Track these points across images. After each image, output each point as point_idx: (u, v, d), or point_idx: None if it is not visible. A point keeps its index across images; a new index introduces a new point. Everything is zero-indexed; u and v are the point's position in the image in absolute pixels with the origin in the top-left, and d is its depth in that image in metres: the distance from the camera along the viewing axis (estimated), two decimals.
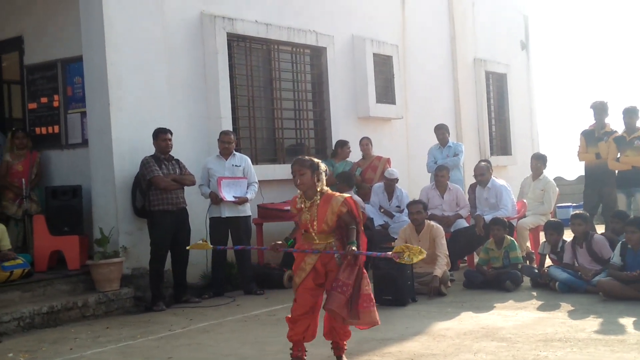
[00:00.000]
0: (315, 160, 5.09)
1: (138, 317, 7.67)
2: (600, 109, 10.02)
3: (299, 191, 5.12)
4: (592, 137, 9.98)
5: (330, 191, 5.10)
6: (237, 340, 6.21)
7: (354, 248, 4.85)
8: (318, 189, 5.03)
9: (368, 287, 4.96)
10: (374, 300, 4.99)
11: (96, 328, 7.12)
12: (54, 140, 9.53)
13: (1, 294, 7.34)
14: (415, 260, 4.62)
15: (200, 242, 5.78)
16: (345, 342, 5.15)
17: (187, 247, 6.31)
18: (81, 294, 7.91)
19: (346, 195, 5.09)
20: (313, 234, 5.00)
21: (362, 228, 5.10)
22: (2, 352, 6.15)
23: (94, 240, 8.13)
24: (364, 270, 4.99)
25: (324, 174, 5.07)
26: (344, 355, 5.14)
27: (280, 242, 5.24)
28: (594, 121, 10.09)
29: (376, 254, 5.39)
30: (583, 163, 10.28)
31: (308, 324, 5.05)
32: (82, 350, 6.13)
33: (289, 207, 9.18)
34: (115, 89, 8.29)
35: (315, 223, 4.98)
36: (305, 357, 5.11)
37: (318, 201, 4.99)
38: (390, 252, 4.81)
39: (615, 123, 10.07)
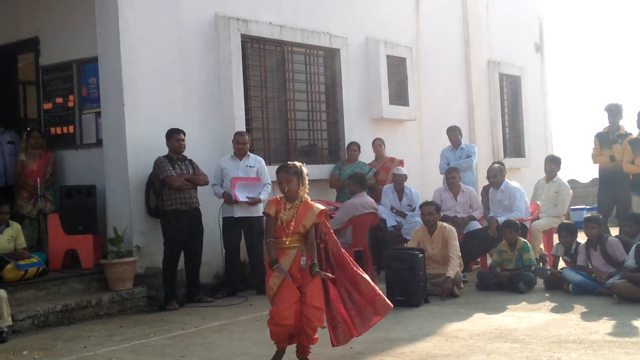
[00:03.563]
0: (298, 164, 5.26)
1: (151, 316, 7.71)
2: (614, 112, 9.97)
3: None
4: (607, 140, 9.92)
5: (308, 198, 5.29)
6: (249, 339, 6.23)
7: (317, 270, 5.09)
8: (300, 194, 5.22)
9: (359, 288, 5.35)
10: (373, 288, 5.41)
11: (110, 326, 7.17)
12: (68, 140, 9.59)
13: (16, 292, 7.39)
14: None
15: None
16: (309, 346, 5.25)
17: None
18: (95, 292, 7.96)
19: (322, 207, 5.26)
20: (284, 238, 5.14)
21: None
22: (17, 350, 6.20)
23: (108, 239, 8.18)
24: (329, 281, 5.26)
25: (306, 177, 5.26)
26: (308, 357, 5.25)
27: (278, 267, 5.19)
28: (609, 124, 10.04)
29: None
30: (597, 165, 10.23)
31: (290, 330, 5.15)
32: (95, 349, 6.17)
33: None
34: (130, 90, 8.34)
35: (292, 224, 5.13)
36: (286, 348, 5.30)
37: (299, 205, 5.18)
38: None
39: (630, 126, 10.02)
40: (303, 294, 5.08)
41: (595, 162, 10.14)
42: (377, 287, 5.47)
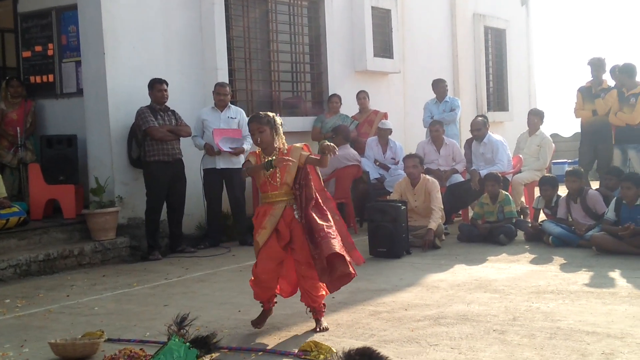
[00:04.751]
0: (271, 114, 4.91)
1: (134, 265, 7.73)
2: (598, 66, 9.95)
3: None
4: (589, 94, 9.93)
5: (286, 145, 4.90)
6: (232, 289, 6.27)
7: (327, 143, 4.69)
8: (276, 145, 4.86)
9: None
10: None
11: (92, 276, 7.18)
12: (48, 89, 9.47)
13: None
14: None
15: None
16: (321, 305, 4.92)
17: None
18: (77, 242, 7.95)
19: (303, 144, 4.92)
20: (271, 192, 4.78)
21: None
22: None
23: (90, 189, 8.15)
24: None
25: (281, 127, 4.91)
26: (322, 319, 4.90)
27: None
28: (592, 78, 10.03)
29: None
30: (579, 120, 10.26)
31: (272, 291, 4.94)
32: (78, 297, 6.18)
33: None
34: (110, 38, 8.21)
35: (278, 175, 4.77)
36: (273, 307, 5.02)
37: (277, 154, 4.78)
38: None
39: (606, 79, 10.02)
40: (292, 250, 4.80)
41: (577, 116, 10.16)
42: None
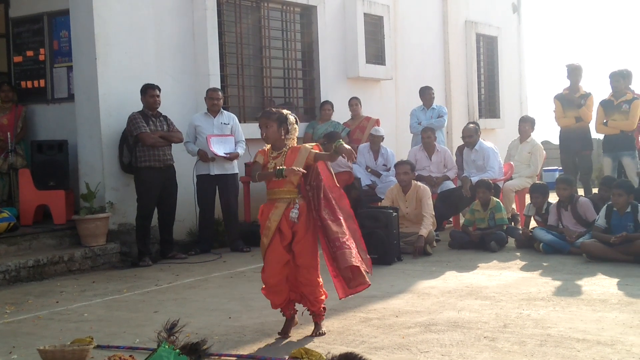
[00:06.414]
0: (285, 112, 4.85)
1: (124, 272, 7.70)
2: (576, 71, 9.92)
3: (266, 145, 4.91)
4: (568, 101, 9.90)
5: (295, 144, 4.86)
6: (223, 296, 6.25)
7: (340, 144, 4.61)
8: (286, 142, 4.82)
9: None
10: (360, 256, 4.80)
11: (82, 282, 7.15)
12: (39, 94, 9.46)
13: None
14: None
15: None
16: (320, 309, 4.90)
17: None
18: (67, 248, 7.91)
19: (314, 144, 4.87)
20: (275, 188, 4.75)
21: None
22: None
23: (80, 195, 8.11)
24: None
25: (293, 126, 4.83)
26: (321, 323, 4.91)
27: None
28: (570, 84, 9.98)
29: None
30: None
31: (287, 294, 4.87)
32: (68, 304, 6.15)
33: None
34: (102, 44, 8.19)
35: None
36: (295, 314, 4.98)
37: (286, 152, 4.77)
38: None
39: (596, 86, 10.04)
40: (293, 254, 4.76)
41: (560, 124, 10.08)
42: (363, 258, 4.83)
